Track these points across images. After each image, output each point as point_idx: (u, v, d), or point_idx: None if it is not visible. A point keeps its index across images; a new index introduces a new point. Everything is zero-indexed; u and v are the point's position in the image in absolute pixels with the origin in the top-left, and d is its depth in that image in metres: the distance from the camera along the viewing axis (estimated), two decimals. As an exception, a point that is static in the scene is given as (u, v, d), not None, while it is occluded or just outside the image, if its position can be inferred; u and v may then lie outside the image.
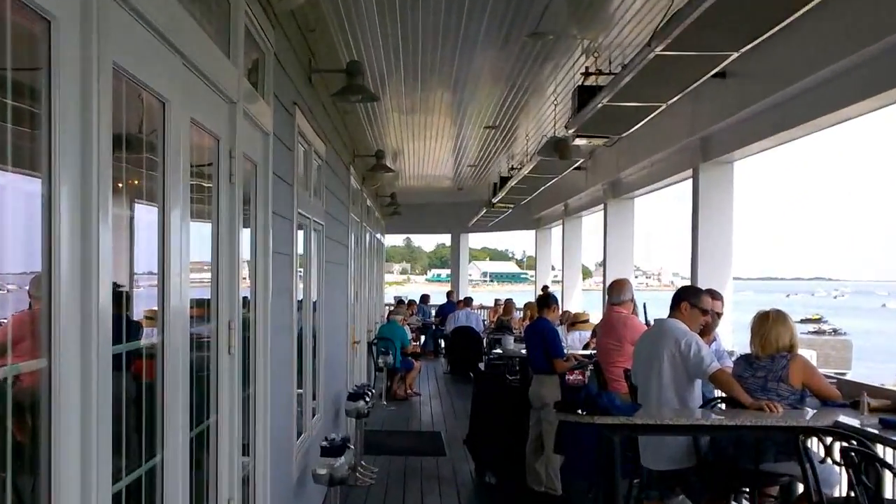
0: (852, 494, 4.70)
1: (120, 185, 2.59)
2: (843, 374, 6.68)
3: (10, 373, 1.98)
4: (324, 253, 8.30)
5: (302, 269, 6.98)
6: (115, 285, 2.48)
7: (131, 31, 2.63)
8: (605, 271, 14.56)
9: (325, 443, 6.50)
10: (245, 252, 4.53)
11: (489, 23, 7.00)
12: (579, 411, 6.30)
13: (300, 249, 6.73)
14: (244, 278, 4.53)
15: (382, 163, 12.39)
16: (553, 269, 25.68)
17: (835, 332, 60.28)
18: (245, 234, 4.51)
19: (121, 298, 2.72)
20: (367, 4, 6.58)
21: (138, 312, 3.20)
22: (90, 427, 2.23)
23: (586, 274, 19.52)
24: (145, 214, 3.03)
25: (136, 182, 2.97)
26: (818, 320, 70.62)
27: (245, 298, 4.63)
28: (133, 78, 2.66)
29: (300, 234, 6.67)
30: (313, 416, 7.79)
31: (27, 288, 2.18)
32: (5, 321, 2.19)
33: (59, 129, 2.11)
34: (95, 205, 2.23)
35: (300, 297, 6.75)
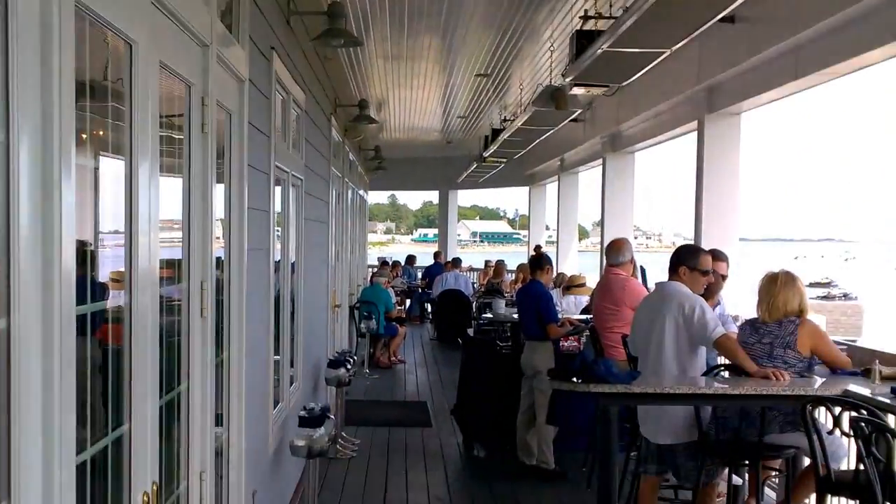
0: (861, 467, 4.75)
1: (84, 135, 2.57)
2: (854, 340, 6.71)
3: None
4: (303, 210, 8.28)
5: (279, 228, 6.97)
6: (80, 243, 2.47)
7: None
8: (602, 231, 14.55)
9: (303, 413, 6.52)
10: (219, 209, 4.51)
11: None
12: (574, 379, 6.33)
13: (278, 206, 6.70)
14: (217, 237, 4.51)
15: (366, 113, 12.36)
16: (547, 228, 25.79)
17: (845, 296, 60.46)
18: (219, 190, 4.49)
19: (85, 258, 2.71)
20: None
21: (104, 273, 3.18)
22: (52, 393, 2.23)
23: (582, 234, 19.56)
24: (111, 168, 3.00)
25: (102, 133, 2.94)
26: (828, 284, 70.86)
27: (219, 258, 4.62)
28: (97, 17, 2.62)
29: (278, 189, 6.64)
30: (291, 384, 7.82)
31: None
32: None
33: (16, 74, 2.07)
34: (57, 157, 2.21)
35: (277, 257, 6.74)
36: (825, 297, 55.50)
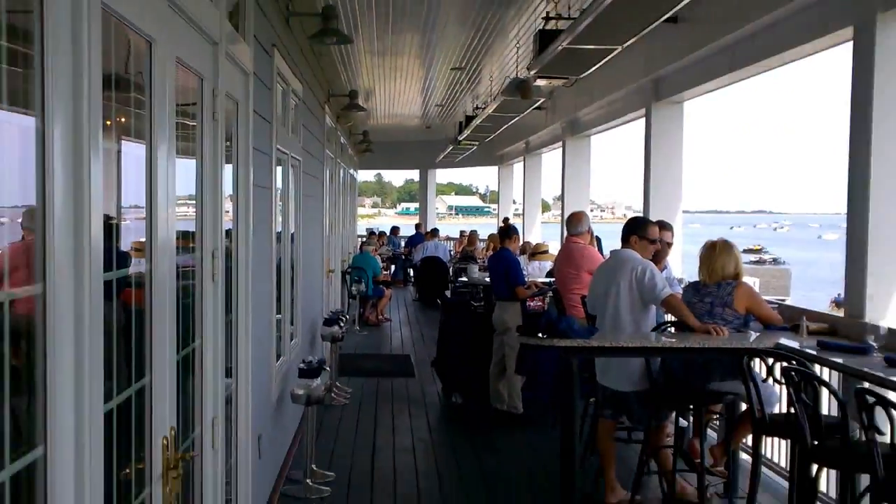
0: (792, 411, 4.79)
1: (109, 122, 2.55)
2: (783, 300, 6.78)
3: (5, 298, 1.97)
4: (301, 187, 8.25)
5: (280, 203, 6.94)
6: (106, 217, 2.45)
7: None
8: (563, 205, 14.59)
9: (302, 365, 6.53)
10: (227, 186, 4.49)
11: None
12: (540, 335, 6.35)
13: (279, 184, 6.67)
14: (227, 211, 4.50)
15: (355, 102, 12.36)
16: (514, 202, 25.75)
17: (775, 261, 61.00)
18: (227, 169, 4.47)
19: (110, 230, 2.69)
20: (340, -51, 6.49)
21: (126, 243, 3.17)
22: (82, 349, 2.22)
23: (545, 207, 19.61)
24: (133, 151, 2.98)
25: (124, 120, 2.92)
26: (759, 251, 71.39)
27: (228, 230, 4.60)
28: (121, 18, 2.60)
29: (279, 169, 6.61)
30: (291, 340, 7.81)
31: (20, 221, 2.16)
32: (1, 252, 2.16)
33: (51, 69, 2.05)
34: (87, 141, 2.20)
35: (279, 229, 6.72)
36: (757, 262, 56.00)
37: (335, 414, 9.08)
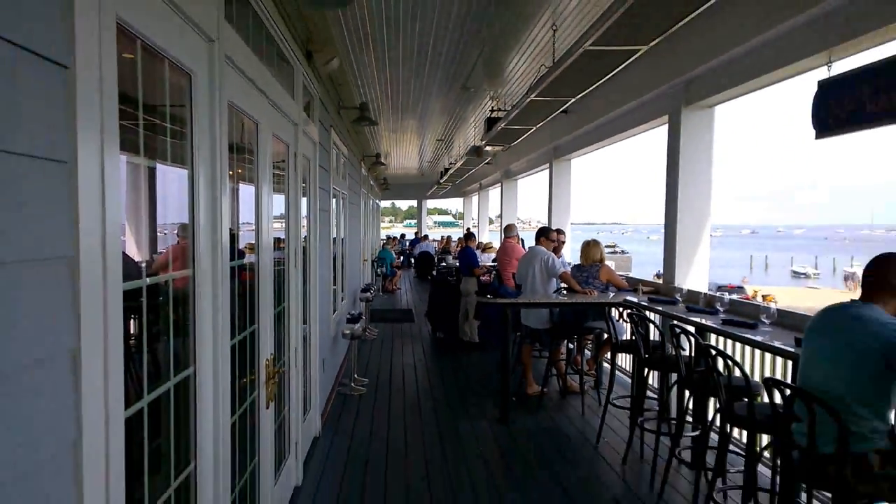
0: (634, 338, 4.83)
1: (231, 172, 2.53)
2: (628, 274, 6.79)
3: (170, 278, 1.96)
4: (347, 211, 8.20)
5: (334, 220, 6.91)
6: (231, 230, 2.43)
7: (238, 81, 2.54)
8: (501, 219, 14.62)
9: (348, 315, 6.51)
10: (304, 210, 4.47)
11: (440, 79, 6.89)
12: (488, 296, 6.37)
13: (334, 208, 6.63)
14: (303, 225, 4.47)
15: (379, 160, 12.32)
16: (473, 219, 25.69)
17: (623, 252, 61.16)
18: (303, 201, 4.44)
19: (233, 237, 2.67)
20: (370, 69, 6.43)
21: (242, 244, 3.15)
22: (217, 308, 2.21)
23: (490, 221, 19.67)
24: (247, 189, 2.95)
25: (241, 171, 2.89)
26: (613, 246, 71.67)
27: (305, 238, 4.58)
28: (239, 109, 2.59)
29: (334, 200, 6.57)
30: (342, 301, 7.77)
31: (175, 231, 2.14)
32: (165, 250, 2.15)
33: (197, 140, 2.04)
34: (219, 184, 2.18)
35: (334, 235, 6.68)
36: (612, 252, 56.16)
37: (368, 345, 9.04)
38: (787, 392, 2.73)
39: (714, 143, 5.55)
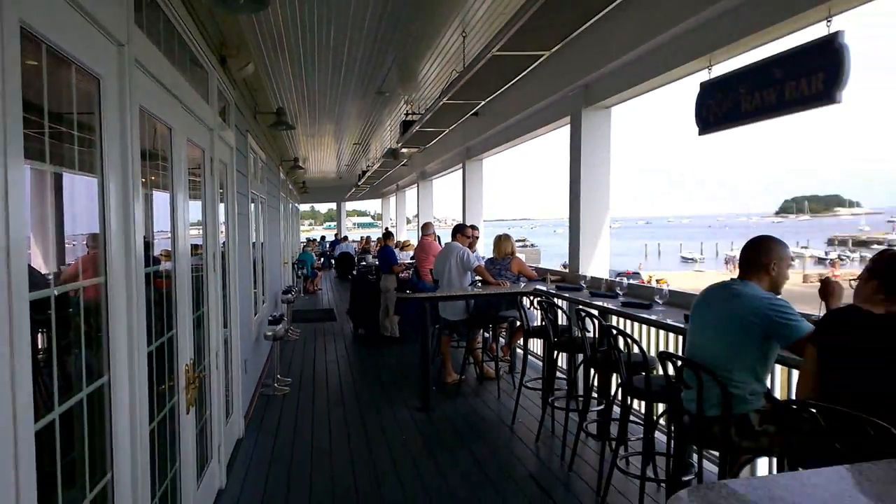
0: (544, 323, 4.98)
1: (144, 179, 2.41)
2: (537, 265, 7.01)
3: (80, 286, 1.85)
4: (265, 214, 7.95)
5: (254, 224, 6.69)
6: (144, 237, 2.31)
7: (149, 86, 2.42)
8: (418, 218, 14.66)
9: (270, 317, 6.33)
10: (221, 215, 4.30)
11: (356, 84, 6.79)
12: (407, 291, 6.38)
13: (253, 212, 6.42)
14: (221, 231, 4.31)
15: (297, 164, 12.03)
16: (391, 219, 25.60)
17: (532, 245, 62.84)
18: (221, 206, 4.27)
19: (148, 244, 2.54)
20: (286, 75, 6.27)
21: (157, 251, 3.00)
22: (132, 314, 2.11)
23: (408, 221, 19.69)
24: (161, 196, 2.81)
25: (154, 177, 2.76)
26: (524, 240, 73.47)
27: (224, 243, 4.41)
28: (151, 114, 2.47)
29: (252, 204, 6.36)
30: (263, 303, 7.55)
31: (85, 242, 2.03)
32: (74, 262, 2.04)
33: (107, 147, 1.94)
34: (131, 190, 2.08)
35: (254, 239, 6.47)
36: (523, 246, 57.57)
37: (290, 345, 8.83)
38: (679, 363, 2.92)
39: (612, 140, 5.80)
